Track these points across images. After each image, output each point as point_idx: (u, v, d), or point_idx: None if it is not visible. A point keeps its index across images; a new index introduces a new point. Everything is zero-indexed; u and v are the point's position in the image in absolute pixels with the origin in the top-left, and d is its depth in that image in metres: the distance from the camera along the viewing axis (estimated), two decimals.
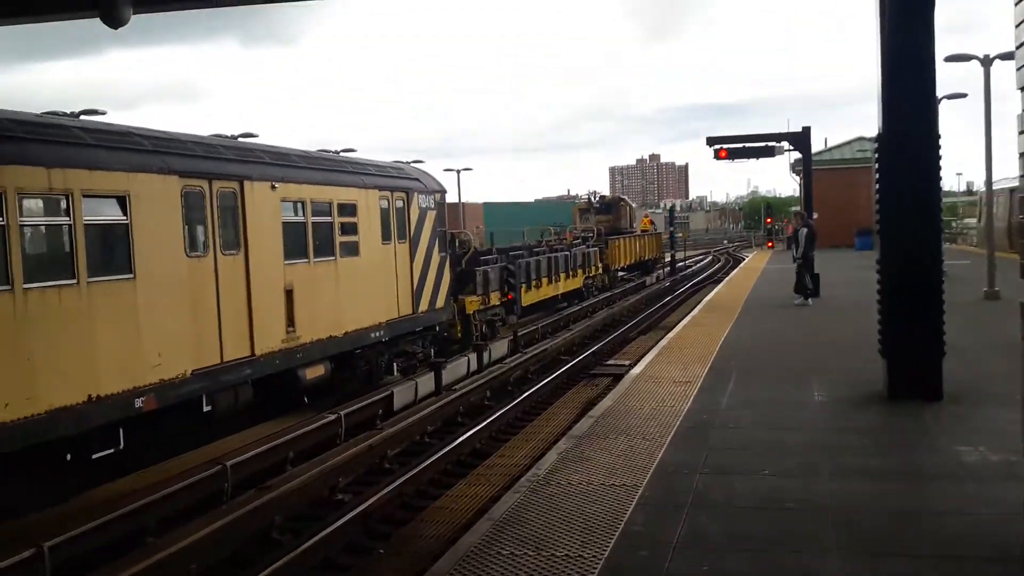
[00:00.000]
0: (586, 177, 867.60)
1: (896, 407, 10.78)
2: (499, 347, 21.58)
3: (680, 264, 51.35)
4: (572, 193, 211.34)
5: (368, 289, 16.79)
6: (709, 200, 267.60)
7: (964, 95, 29.35)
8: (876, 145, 11.41)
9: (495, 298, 24.82)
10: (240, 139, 15.30)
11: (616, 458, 8.88)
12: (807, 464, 8.53)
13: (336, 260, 15.85)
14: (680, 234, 63.17)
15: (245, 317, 13.27)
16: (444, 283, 20.43)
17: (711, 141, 36.40)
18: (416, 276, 18.94)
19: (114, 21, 11.90)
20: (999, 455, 8.55)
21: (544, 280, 29.36)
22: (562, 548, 6.52)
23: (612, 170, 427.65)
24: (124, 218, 11.10)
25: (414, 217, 19.02)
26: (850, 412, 10.79)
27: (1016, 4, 5.88)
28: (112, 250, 11.05)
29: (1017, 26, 5.86)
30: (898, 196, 11.04)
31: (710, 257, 65.54)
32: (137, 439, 11.37)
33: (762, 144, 36.34)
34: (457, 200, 60.97)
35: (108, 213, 10.95)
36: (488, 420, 14.36)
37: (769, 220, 56.65)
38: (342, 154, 18.33)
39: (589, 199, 48.36)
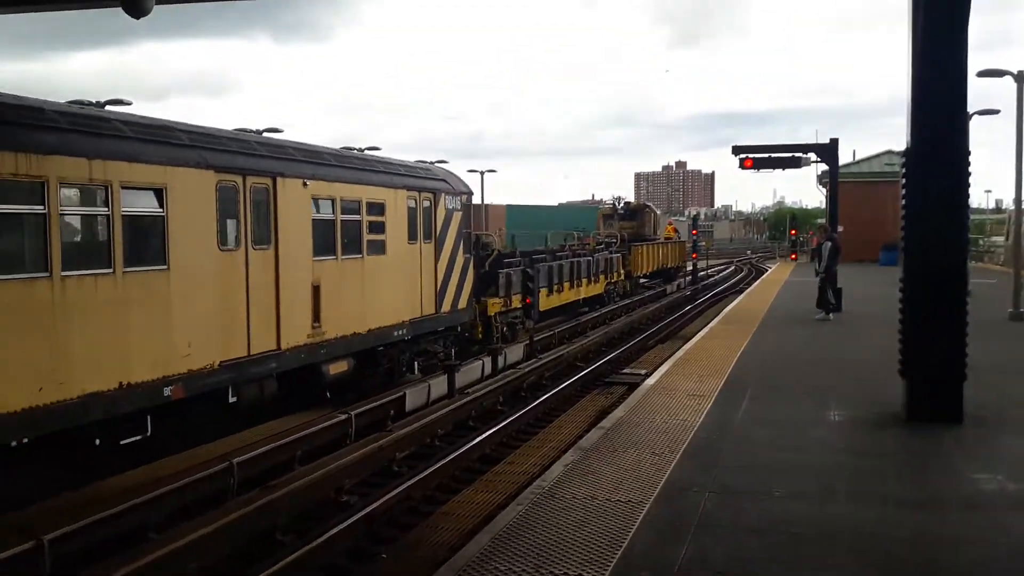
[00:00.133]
0: (612, 182, 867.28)
1: (915, 429, 10.52)
2: (515, 351, 21.45)
3: (701, 274, 50.81)
4: (597, 198, 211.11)
5: (393, 288, 16.81)
6: (735, 209, 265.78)
7: (996, 111, 28.94)
8: (904, 160, 11.17)
9: (516, 301, 24.85)
10: (270, 135, 15.33)
11: (623, 473, 8.70)
12: (820, 486, 8.31)
13: (363, 258, 15.88)
14: (703, 243, 62.73)
15: (273, 311, 13.34)
16: (467, 284, 20.45)
17: (737, 150, 36.25)
18: (440, 276, 18.94)
19: (137, 11, 11.93)
20: (1018, 483, 8.32)
21: (566, 284, 29.26)
22: (561, 566, 6.35)
23: (638, 176, 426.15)
24: (160, 210, 11.21)
25: (440, 218, 19.02)
26: (867, 433, 10.55)
27: None
28: (148, 241, 11.17)
29: None
30: (924, 212, 10.79)
31: (732, 267, 65.14)
32: (164, 427, 11.51)
33: (788, 155, 36.10)
34: (480, 202, 60.89)
35: (145, 205, 11.06)
36: (499, 426, 14.25)
37: (794, 232, 56.03)
38: (367, 152, 18.29)
39: (614, 204, 48.26)
